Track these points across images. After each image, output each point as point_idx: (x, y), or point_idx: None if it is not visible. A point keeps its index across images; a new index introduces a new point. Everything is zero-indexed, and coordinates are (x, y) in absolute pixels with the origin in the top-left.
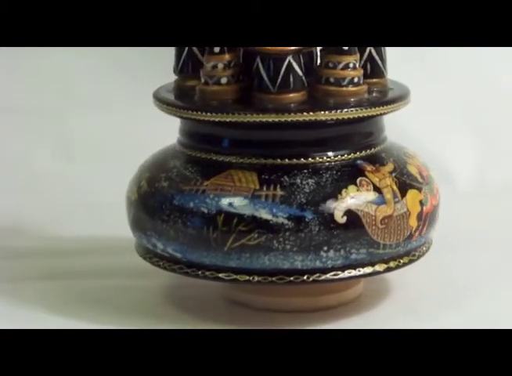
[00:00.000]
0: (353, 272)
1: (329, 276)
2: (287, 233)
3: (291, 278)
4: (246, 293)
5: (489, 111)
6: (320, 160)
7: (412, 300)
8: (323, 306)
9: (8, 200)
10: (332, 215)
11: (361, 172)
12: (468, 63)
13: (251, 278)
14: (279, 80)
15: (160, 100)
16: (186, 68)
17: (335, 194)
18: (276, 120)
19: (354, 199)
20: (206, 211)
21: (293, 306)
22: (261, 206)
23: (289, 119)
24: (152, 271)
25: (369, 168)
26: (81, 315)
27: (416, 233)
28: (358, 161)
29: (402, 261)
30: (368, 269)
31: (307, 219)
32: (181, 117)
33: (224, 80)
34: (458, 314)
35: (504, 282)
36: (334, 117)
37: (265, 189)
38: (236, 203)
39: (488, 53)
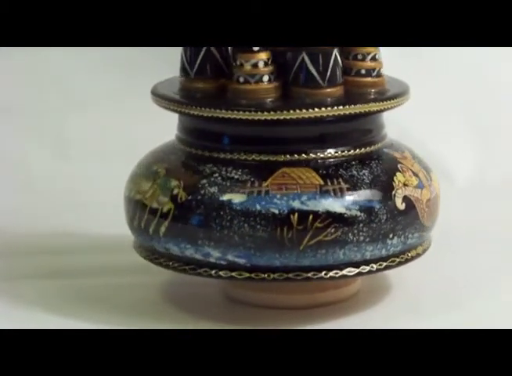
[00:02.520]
0: (404, 257)
1: (388, 262)
2: (361, 225)
3: (359, 269)
4: (246, 290)
5: (489, 110)
6: (360, 151)
7: (411, 299)
8: (322, 303)
9: (6, 200)
10: (394, 203)
11: (396, 159)
12: (468, 62)
13: (324, 274)
14: (329, 74)
15: (194, 104)
16: (204, 70)
17: (390, 182)
18: (337, 113)
19: (405, 185)
20: (277, 211)
21: (291, 303)
22: (332, 201)
23: (347, 112)
24: (151, 269)
25: (396, 154)
26: (80, 314)
27: (440, 214)
28: (385, 150)
29: (428, 242)
30: (413, 253)
31: (376, 209)
32: (218, 118)
33: (266, 78)
34: (457, 313)
35: (504, 281)
36: (383, 107)
37: (329, 183)
38: (308, 200)
39: (488, 53)
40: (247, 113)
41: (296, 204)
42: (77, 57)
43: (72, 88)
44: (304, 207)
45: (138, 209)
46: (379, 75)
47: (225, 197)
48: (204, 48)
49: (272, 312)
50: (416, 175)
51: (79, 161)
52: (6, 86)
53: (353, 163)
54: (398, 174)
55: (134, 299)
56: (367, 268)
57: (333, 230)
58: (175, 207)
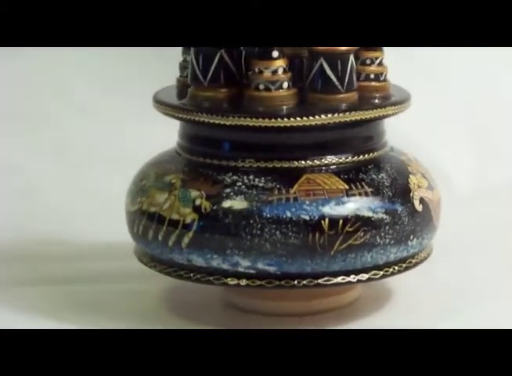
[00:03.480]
0: (419, 258)
1: (406, 264)
2: (387, 227)
3: (383, 272)
4: (246, 297)
5: (489, 114)
6: (374, 155)
7: (411, 303)
8: (323, 309)
9: (6, 204)
10: (413, 205)
11: (404, 162)
12: (467, 64)
13: (352, 278)
14: (347, 79)
15: (211, 113)
16: (217, 78)
17: (407, 184)
18: (359, 118)
19: (419, 187)
20: (308, 217)
21: (292, 310)
22: (360, 204)
23: (367, 116)
24: (151, 276)
25: (403, 158)
26: (79, 320)
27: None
28: (392, 153)
29: (432, 243)
30: (424, 254)
31: (399, 211)
32: (237, 126)
33: (285, 84)
34: (458, 317)
35: (504, 282)
36: (396, 111)
37: (354, 188)
38: (337, 205)
39: (487, 53)
40: (273, 120)
41: (326, 210)
42: (77, 57)
43: (72, 90)
44: (334, 213)
45: (155, 222)
46: (385, 80)
47: (254, 206)
48: (218, 56)
49: (272, 319)
50: (424, 176)
51: (79, 164)
52: (6, 87)
53: (369, 167)
54: (410, 176)
55: (134, 306)
56: (390, 270)
57: (362, 234)
58: (200, 217)
